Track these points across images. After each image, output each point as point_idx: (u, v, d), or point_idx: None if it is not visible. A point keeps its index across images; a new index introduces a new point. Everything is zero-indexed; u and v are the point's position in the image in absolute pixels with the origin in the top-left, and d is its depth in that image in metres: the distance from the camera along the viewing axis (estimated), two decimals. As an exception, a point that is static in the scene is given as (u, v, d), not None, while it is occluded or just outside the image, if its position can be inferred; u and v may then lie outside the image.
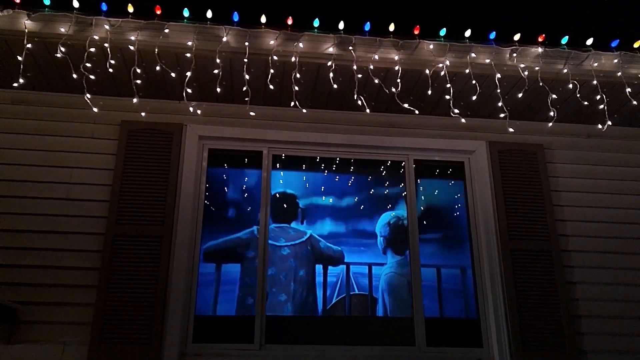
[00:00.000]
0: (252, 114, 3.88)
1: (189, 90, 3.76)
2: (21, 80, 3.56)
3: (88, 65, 3.58)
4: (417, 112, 3.90)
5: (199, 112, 3.90)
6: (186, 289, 3.73)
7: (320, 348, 3.74)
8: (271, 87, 3.77)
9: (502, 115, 3.92)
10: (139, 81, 3.75)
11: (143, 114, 3.89)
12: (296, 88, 3.76)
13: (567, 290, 3.92)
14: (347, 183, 4.32)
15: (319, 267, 4.07)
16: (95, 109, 3.70)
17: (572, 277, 3.98)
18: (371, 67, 3.75)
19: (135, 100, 3.74)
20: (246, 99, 3.77)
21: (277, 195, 4.20)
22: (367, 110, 3.87)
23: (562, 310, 3.84)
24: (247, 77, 3.70)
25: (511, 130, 3.92)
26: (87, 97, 3.59)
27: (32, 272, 3.58)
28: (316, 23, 3.73)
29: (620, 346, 3.84)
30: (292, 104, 3.78)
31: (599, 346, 3.82)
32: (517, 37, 3.85)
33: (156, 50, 3.57)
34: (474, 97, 3.92)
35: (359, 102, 3.80)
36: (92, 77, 3.68)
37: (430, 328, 3.87)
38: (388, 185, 4.32)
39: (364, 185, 4.33)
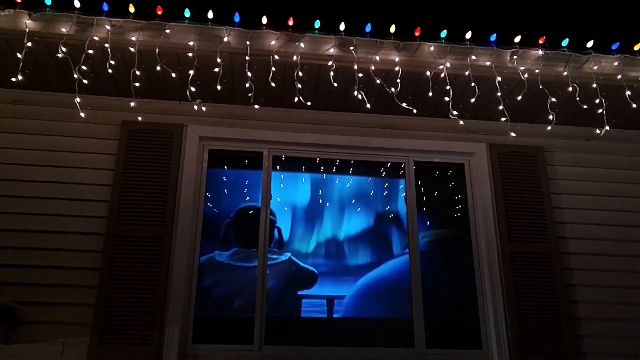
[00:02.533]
0: (256, 106, 3.86)
1: (192, 89, 3.75)
2: (20, 78, 3.55)
3: (89, 65, 3.58)
4: (414, 111, 3.89)
5: (203, 108, 3.86)
6: (186, 290, 3.72)
7: (320, 350, 3.74)
8: (273, 84, 3.76)
9: (503, 118, 3.92)
10: (139, 82, 3.75)
11: (139, 118, 3.89)
12: (298, 87, 3.76)
13: (567, 292, 3.92)
14: (347, 191, 4.32)
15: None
16: (82, 114, 3.66)
17: (572, 280, 3.98)
18: (372, 68, 3.75)
19: (134, 101, 3.74)
20: (249, 94, 3.76)
21: (244, 212, 4.04)
22: (367, 105, 3.86)
23: (561, 312, 3.84)
24: (248, 76, 3.69)
25: (513, 134, 3.92)
26: (76, 101, 3.57)
27: (32, 272, 3.57)
28: (317, 24, 3.73)
29: (620, 349, 3.84)
30: (295, 99, 3.77)
31: (599, 349, 3.82)
32: (517, 39, 3.86)
33: (157, 50, 3.57)
34: (474, 99, 3.93)
35: (359, 97, 3.78)
36: (92, 77, 3.68)
37: (429, 330, 3.87)
38: (388, 193, 4.31)
39: (365, 192, 4.33)
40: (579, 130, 4.38)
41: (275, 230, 4.04)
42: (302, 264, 4.01)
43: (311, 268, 4.02)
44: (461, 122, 3.93)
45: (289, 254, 4.03)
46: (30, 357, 3.39)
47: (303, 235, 4.13)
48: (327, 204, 4.23)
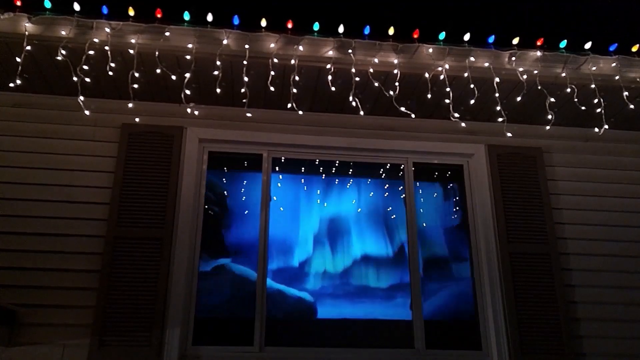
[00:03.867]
0: (249, 114, 3.91)
1: (189, 93, 3.76)
2: (20, 82, 3.55)
3: (88, 68, 3.59)
4: (413, 115, 3.90)
5: (196, 112, 3.87)
6: (186, 291, 3.73)
7: (319, 350, 3.75)
8: (272, 88, 3.78)
9: (500, 119, 3.93)
10: (137, 85, 3.76)
11: (137, 119, 3.90)
12: (295, 91, 3.78)
13: (566, 293, 3.93)
14: (347, 192, 4.33)
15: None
16: (87, 112, 3.67)
17: (571, 280, 3.99)
18: (371, 70, 3.76)
19: (134, 103, 3.75)
20: (244, 100, 3.77)
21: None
22: (361, 113, 3.86)
23: (560, 313, 3.85)
24: (247, 79, 3.71)
25: (509, 135, 3.94)
26: (80, 100, 3.56)
27: (32, 274, 3.58)
28: (316, 27, 3.74)
29: (618, 349, 3.85)
30: (289, 105, 3.78)
31: (598, 349, 3.83)
32: (515, 40, 3.87)
33: (157, 53, 3.58)
34: (473, 101, 3.94)
35: (354, 104, 3.81)
36: (92, 80, 3.69)
37: (429, 331, 3.88)
38: (388, 195, 4.32)
39: (364, 193, 4.34)
40: (577, 131, 4.40)
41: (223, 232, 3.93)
42: (283, 288, 3.95)
43: (305, 294, 3.99)
44: (463, 124, 3.96)
45: (227, 260, 3.96)
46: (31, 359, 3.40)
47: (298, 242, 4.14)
48: (325, 204, 4.25)
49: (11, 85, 3.57)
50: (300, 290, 3.96)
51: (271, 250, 4.00)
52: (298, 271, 4.02)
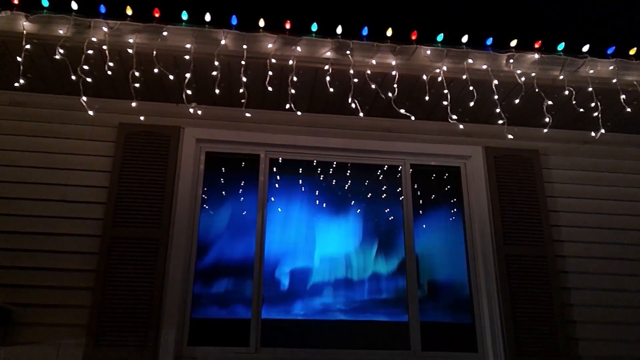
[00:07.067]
0: (248, 115, 3.90)
1: (189, 92, 3.75)
2: (20, 82, 3.55)
3: (86, 67, 3.58)
4: (413, 118, 3.90)
5: (199, 112, 3.88)
6: (182, 292, 3.72)
7: (316, 352, 3.74)
8: (269, 89, 3.77)
9: (500, 121, 3.94)
10: (137, 84, 3.75)
11: (142, 117, 3.89)
12: (293, 91, 3.77)
13: (562, 295, 3.93)
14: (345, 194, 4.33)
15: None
16: (90, 112, 3.67)
17: (567, 283, 3.99)
18: (368, 71, 3.76)
19: (133, 103, 3.74)
20: (242, 100, 3.77)
21: None
22: (361, 114, 3.87)
23: (556, 315, 3.85)
24: (244, 80, 3.70)
25: (510, 137, 3.94)
26: (83, 100, 3.58)
27: (28, 274, 3.57)
28: (314, 27, 3.74)
29: (614, 352, 3.86)
30: (287, 106, 3.78)
31: (594, 352, 3.84)
32: (513, 43, 3.87)
33: (154, 53, 3.58)
34: (471, 103, 3.94)
35: (353, 106, 3.80)
36: (90, 79, 3.68)
37: (425, 332, 3.88)
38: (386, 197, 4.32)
39: (362, 194, 4.33)
40: (574, 134, 4.40)
41: None
42: None
43: None
44: (461, 126, 3.97)
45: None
46: (26, 359, 3.39)
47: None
48: (324, 204, 4.24)
49: (16, 85, 3.56)
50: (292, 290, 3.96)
51: (267, 251, 4.00)
52: (294, 273, 4.02)
